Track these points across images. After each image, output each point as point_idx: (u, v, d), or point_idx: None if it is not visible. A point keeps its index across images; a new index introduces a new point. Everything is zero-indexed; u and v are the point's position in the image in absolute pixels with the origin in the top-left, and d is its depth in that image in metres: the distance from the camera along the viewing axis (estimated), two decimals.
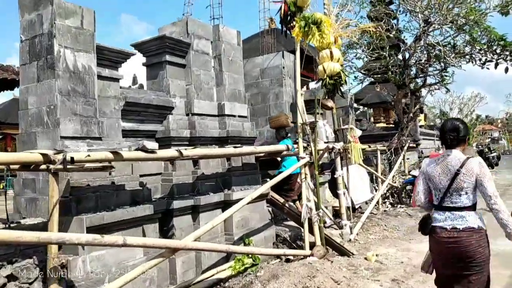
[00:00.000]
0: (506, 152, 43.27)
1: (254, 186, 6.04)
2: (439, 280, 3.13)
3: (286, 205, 6.46)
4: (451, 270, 2.93)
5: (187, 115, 5.68)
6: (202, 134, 5.54)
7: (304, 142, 6.34)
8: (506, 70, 11.93)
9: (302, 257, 5.70)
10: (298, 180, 6.52)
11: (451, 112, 39.20)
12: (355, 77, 14.95)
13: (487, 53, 12.17)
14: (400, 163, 11.46)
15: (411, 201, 4.23)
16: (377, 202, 10.17)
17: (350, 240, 6.87)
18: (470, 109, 39.33)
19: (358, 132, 7.14)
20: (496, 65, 12.00)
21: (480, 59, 12.39)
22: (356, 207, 9.43)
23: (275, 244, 6.37)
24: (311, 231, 5.94)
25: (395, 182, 10.93)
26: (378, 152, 10.55)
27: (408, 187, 10.40)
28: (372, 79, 17.10)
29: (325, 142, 6.43)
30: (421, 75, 12.47)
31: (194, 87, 5.74)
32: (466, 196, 2.86)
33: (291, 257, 5.74)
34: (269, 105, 8.03)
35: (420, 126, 23.33)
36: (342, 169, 7.31)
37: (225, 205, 5.43)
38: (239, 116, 6.33)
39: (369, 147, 10.70)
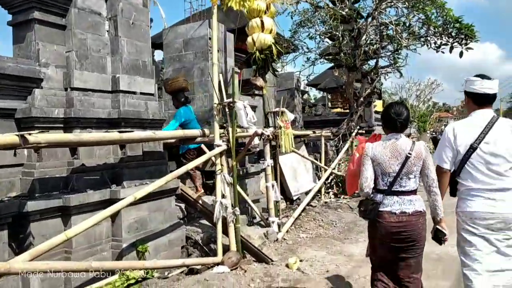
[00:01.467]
0: None
1: (159, 180, 4.97)
2: (378, 266, 3.07)
3: (200, 201, 5.45)
4: (393, 255, 2.91)
5: (66, 90, 4.48)
6: (81, 115, 4.35)
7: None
8: (461, 54, 11.37)
9: (212, 265, 4.76)
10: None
11: (409, 99, 39.36)
12: (307, 58, 14.05)
13: (443, 36, 11.56)
14: (348, 150, 10.71)
15: (348, 190, 3.76)
16: (319, 193, 9.41)
17: (277, 239, 5.97)
18: (426, 96, 39.67)
19: (291, 116, 6.19)
20: (451, 49, 11.41)
21: (435, 42, 11.76)
22: (294, 198, 8.60)
23: (184, 248, 5.36)
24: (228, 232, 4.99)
25: (340, 171, 10.18)
26: (322, 139, 9.70)
27: None
28: (329, 62, 16.27)
29: (245, 128, 5.43)
30: (374, 56, 11.66)
31: (76, 54, 4.52)
32: (414, 180, 2.88)
33: (199, 266, 4.78)
34: (193, 82, 6.88)
35: (377, 112, 22.96)
36: (271, 158, 6.36)
37: (111, 204, 4.31)
38: (142, 94, 5.17)
39: (314, 132, 9.83)
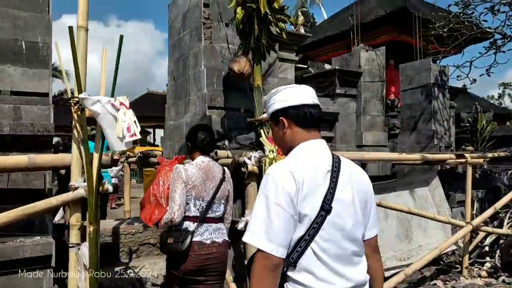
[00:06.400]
0: None
1: None
2: None
3: None
4: None
5: None
6: None
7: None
8: None
9: None
10: None
11: None
12: (491, 42, 9.19)
13: None
14: None
15: (149, 218, 2.56)
16: (460, 265, 5.40)
17: None
18: None
19: None
20: None
21: None
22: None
23: None
24: None
25: (510, 227, 5.70)
26: (469, 169, 5.49)
27: None
28: None
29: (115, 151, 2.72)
30: None
31: None
32: (223, 206, 2.69)
33: None
34: (188, 76, 4.47)
35: None
36: None
37: None
38: (16, 93, 3.19)
39: (459, 157, 5.70)
